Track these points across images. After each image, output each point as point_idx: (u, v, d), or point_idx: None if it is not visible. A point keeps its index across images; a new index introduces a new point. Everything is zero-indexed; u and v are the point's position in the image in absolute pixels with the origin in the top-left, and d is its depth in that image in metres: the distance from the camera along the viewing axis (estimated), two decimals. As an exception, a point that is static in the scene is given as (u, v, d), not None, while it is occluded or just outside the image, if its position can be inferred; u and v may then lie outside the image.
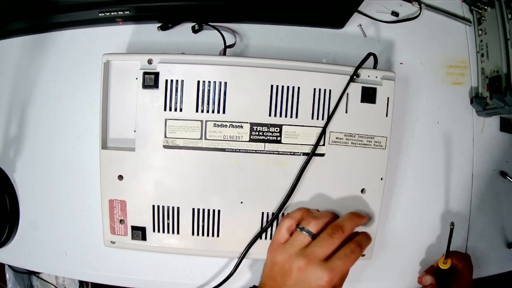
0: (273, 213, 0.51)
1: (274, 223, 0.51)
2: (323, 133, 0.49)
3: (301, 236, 0.47)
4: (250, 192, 0.50)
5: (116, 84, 0.51)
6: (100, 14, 0.53)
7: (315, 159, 0.50)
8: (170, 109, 0.49)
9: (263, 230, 0.51)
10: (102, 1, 0.52)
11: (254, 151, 0.49)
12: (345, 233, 0.46)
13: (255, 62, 0.49)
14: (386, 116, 0.50)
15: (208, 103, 0.49)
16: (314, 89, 0.49)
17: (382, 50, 0.58)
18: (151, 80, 0.48)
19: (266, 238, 0.52)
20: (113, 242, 0.52)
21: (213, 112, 0.49)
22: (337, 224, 0.47)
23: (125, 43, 0.57)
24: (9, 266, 0.93)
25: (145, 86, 0.48)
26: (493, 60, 0.54)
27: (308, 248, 0.45)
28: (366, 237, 0.49)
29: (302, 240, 0.47)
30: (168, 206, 0.51)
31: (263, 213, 0.51)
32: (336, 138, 0.50)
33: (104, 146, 0.51)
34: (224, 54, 0.53)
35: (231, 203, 0.51)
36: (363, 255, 0.50)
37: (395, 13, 0.58)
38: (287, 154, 0.50)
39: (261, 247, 0.50)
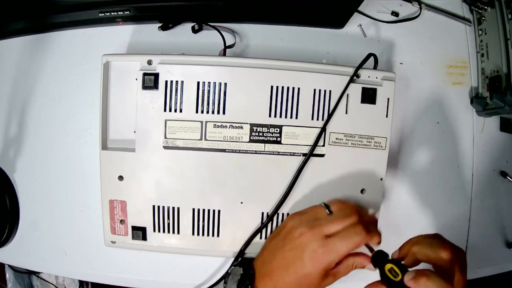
0: (272, 214, 0.51)
1: (270, 224, 0.51)
2: (322, 131, 0.49)
3: (319, 209, 0.47)
4: (250, 193, 0.50)
5: (116, 84, 0.51)
6: (100, 14, 0.53)
7: (315, 159, 0.50)
8: (170, 110, 0.49)
9: (259, 230, 0.51)
10: (102, 1, 0.52)
11: (254, 152, 0.49)
12: (360, 220, 0.44)
13: (255, 63, 0.49)
14: (386, 116, 0.50)
15: (208, 104, 0.49)
16: (314, 89, 0.49)
17: (382, 50, 0.58)
18: (150, 81, 0.48)
19: (261, 238, 0.52)
20: (113, 242, 0.52)
21: (213, 113, 0.49)
22: (358, 209, 0.46)
23: (125, 43, 0.57)
24: (9, 266, 0.93)
25: (145, 87, 0.48)
26: (493, 60, 0.54)
27: (318, 220, 0.45)
28: (376, 225, 0.46)
29: (318, 211, 0.47)
30: (169, 206, 0.51)
31: (263, 213, 0.51)
32: (336, 138, 0.50)
33: (104, 146, 0.51)
34: (224, 54, 0.53)
35: (231, 203, 0.51)
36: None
37: (395, 13, 0.58)
38: (287, 155, 0.50)
39: (258, 246, 0.50)
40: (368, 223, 0.45)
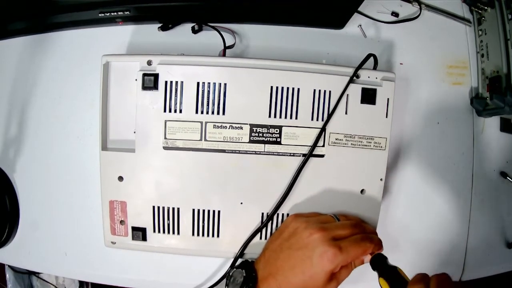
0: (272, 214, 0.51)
1: (269, 224, 0.51)
2: (322, 131, 0.49)
3: (327, 215, 0.49)
4: (250, 193, 0.50)
5: (115, 85, 0.51)
6: (100, 15, 0.53)
7: (315, 160, 0.50)
8: (170, 111, 0.49)
9: (258, 230, 0.51)
10: (102, 1, 0.52)
11: (254, 152, 0.49)
12: (367, 230, 0.47)
13: (255, 63, 0.49)
14: (386, 117, 0.50)
15: (208, 104, 0.49)
16: (314, 90, 0.49)
17: (382, 50, 0.58)
18: (150, 81, 0.48)
19: (261, 238, 0.52)
20: (113, 243, 0.52)
21: (213, 113, 0.49)
22: (362, 222, 0.50)
23: (125, 44, 0.57)
24: (9, 266, 0.93)
25: (144, 87, 0.48)
26: (493, 60, 0.54)
27: (327, 223, 0.46)
28: (378, 237, 0.47)
29: (325, 217, 0.48)
30: (168, 207, 0.51)
31: (263, 213, 0.51)
32: (336, 139, 0.50)
33: (104, 147, 0.51)
34: (224, 55, 0.53)
35: (231, 204, 0.51)
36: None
37: (395, 14, 0.58)
38: (287, 155, 0.50)
39: (258, 247, 0.50)
40: (372, 233, 0.47)
